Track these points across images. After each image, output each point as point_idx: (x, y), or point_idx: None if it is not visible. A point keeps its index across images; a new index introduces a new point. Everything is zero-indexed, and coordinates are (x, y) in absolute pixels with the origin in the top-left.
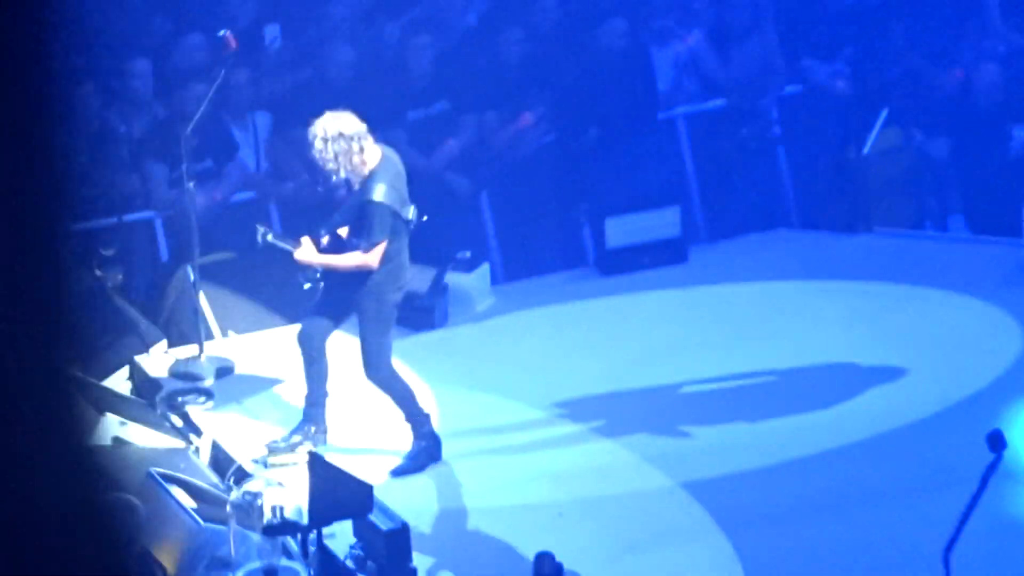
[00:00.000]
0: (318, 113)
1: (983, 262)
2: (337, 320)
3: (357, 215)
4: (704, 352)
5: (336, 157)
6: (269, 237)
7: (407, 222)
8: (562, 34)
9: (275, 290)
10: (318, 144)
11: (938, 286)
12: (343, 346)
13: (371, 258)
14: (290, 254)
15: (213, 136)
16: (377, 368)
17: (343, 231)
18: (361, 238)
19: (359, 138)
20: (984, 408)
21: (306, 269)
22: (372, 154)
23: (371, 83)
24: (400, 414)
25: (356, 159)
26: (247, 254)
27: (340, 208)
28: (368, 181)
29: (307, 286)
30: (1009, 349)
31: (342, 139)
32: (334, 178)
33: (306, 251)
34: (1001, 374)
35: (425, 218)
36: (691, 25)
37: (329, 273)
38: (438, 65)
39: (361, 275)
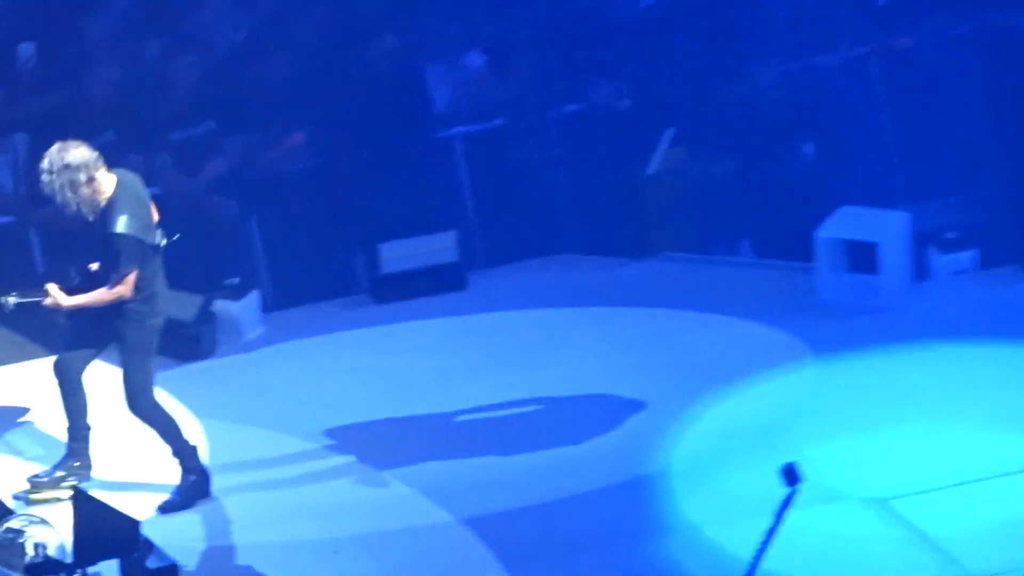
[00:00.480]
0: (78, 134)
1: (771, 287)
2: (96, 349)
3: (103, 248)
4: (479, 381)
5: (63, 189)
6: (11, 300)
7: (155, 247)
8: (331, 52)
9: (34, 319)
10: (44, 177)
11: (724, 312)
12: (105, 376)
13: (123, 289)
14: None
15: None
16: (139, 400)
17: (93, 265)
18: (110, 271)
19: (87, 167)
20: (777, 437)
21: (64, 313)
22: (106, 182)
23: (133, 103)
24: (166, 448)
25: (85, 191)
26: (4, 280)
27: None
28: (107, 212)
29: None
30: (799, 375)
31: (67, 171)
32: (67, 211)
33: (55, 298)
34: (791, 401)
35: (177, 236)
36: (467, 42)
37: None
38: (202, 84)
39: (117, 304)
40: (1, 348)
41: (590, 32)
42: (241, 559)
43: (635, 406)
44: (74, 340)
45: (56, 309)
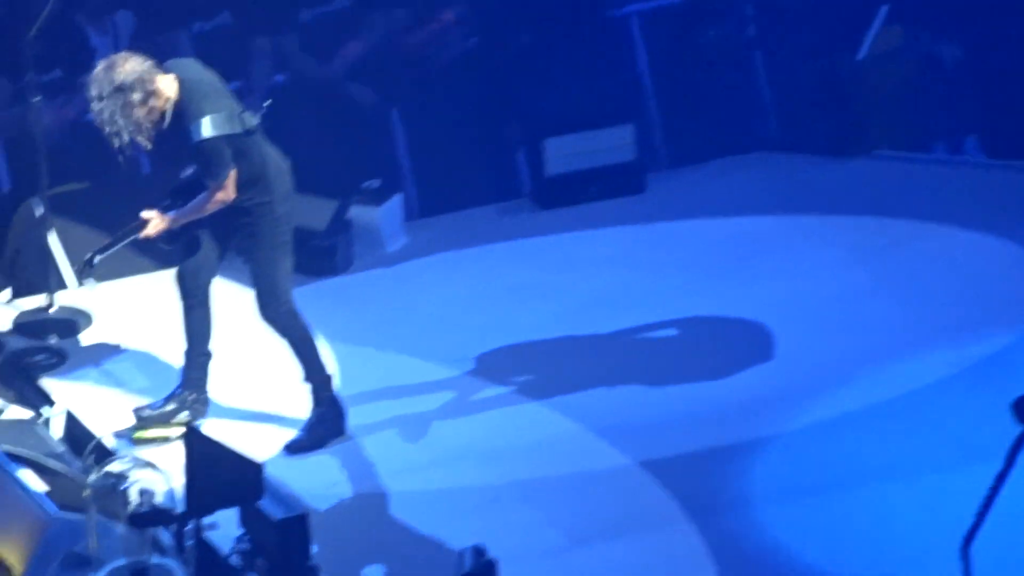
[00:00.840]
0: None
1: (1002, 192)
2: (222, 251)
3: (193, 155)
4: (666, 301)
5: (114, 118)
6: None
7: (248, 132)
8: None
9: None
10: (95, 106)
11: (949, 221)
12: (225, 295)
13: (225, 194)
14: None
15: (64, 41)
16: (276, 303)
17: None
18: (207, 178)
19: (142, 83)
20: (1009, 368)
21: (165, 238)
22: (166, 88)
23: None
24: (298, 372)
25: (140, 111)
26: (106, 183)
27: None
28: (180, 118)
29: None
30: None
31: (120, 93)
32: (118, 144)
33: (152, 223)
34: None
35: (269, 102)
36: None
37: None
38: None
39: (237, 202)
40: (102, 262)
41: None
42: (380, 508)
43: (848, 332)
44: (195, 245)
45: (159, 237)
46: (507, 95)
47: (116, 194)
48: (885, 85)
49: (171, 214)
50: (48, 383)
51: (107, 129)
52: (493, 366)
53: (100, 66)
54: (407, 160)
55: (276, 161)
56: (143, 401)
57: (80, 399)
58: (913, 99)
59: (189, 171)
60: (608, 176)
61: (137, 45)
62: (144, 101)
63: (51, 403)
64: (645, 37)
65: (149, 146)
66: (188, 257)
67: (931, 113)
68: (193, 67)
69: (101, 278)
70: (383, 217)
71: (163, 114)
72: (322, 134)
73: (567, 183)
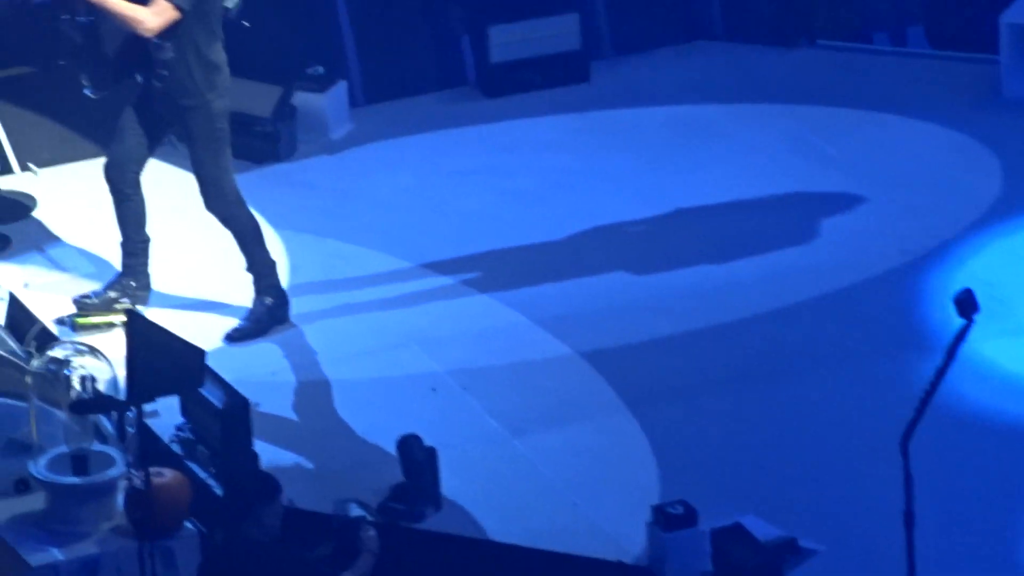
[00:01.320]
0: None
1: (948, 82)
2: (152, 144)
3: None
4: (609, 189)
5: None
6: None
7: (226, 8)
8: None
9: (87, 112)
10: None
11: (895, 111)
12: (163, 176)
13: (151, 20)
14: None
15: None
16: (220, 193)
17: None
18: None
19: None
20: (955, 260)
21: (69, 18)
22: None
23: None
24: (241, 259)
25: None
26: (51, 68)
27: None
28: None
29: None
30: (984, 186)
31: None
32: None
33: None
34: (976, 217)
35: (245, 24)
36: None
37: (145, 87)
38: None
39: (178, 81)
40: (47, 147)
41: None
42: (322, 396)
43: (789, 221)
44: (126, 135)
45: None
46: None
47: (60, 78)
48: None
49: None
50: None
51: None
52: (436, 253)
53: None
54: (352, 46)
55: (222, 57)
56: (87, 286)
57: (22, 284)
58: None
59: None
60: (553, 64)
61: None
62: None
63: None
64: None
65: None
66: (114, 149)
67: (875, 3)
68: None
69: (44, 163)
70: (328, 103)
71: None
72: (266, 18)
73: (512, 71)
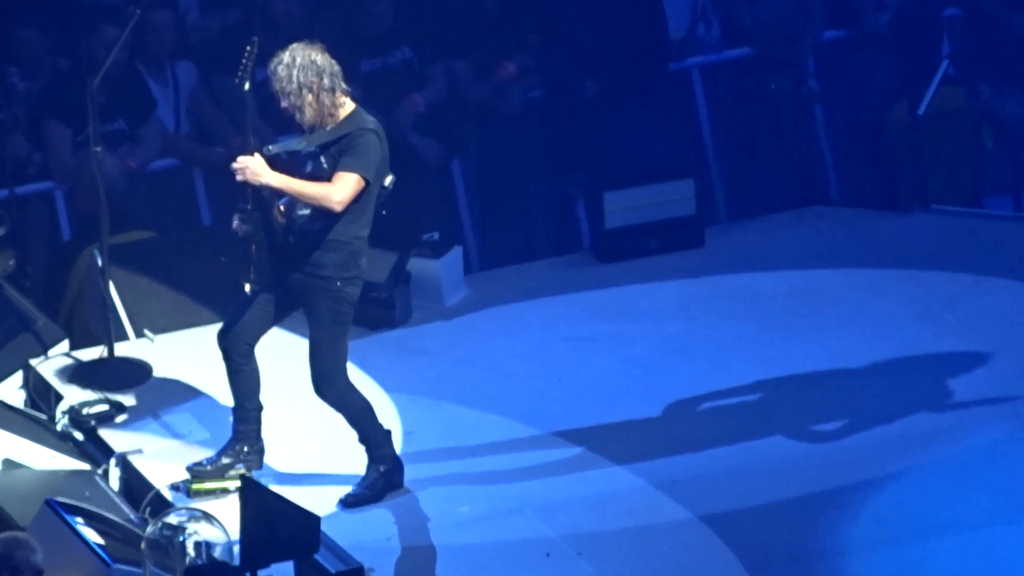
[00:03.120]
0: (253, 66)
1: None
2: (273, 318)
3: (330, 150)
4: (727, 354)
5: (300, 88)
6: (246, 86)
7: (383, 188)
8: None
9: (202, 278)
10: (280, 71)
11: (1010, 276)
12: (280, 342)
13: (337, 191)
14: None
15: (126, 91)
16: (330, 383)
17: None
18: (342, 168)
19: (333, 75)
20: None
21: (246, 199)
22: (346, 106)
23: (318, 26)
24: (354, 434)
25: (328, 99)
26: (167, 234)
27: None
28: (346, 125)
29: (243, 230)
30: None
31: (313, 67)
32: (298, 116)
33: (255, 167)
34: None
35: (384, 212)
36: None
37: (274, 247)
38: (400, 3)
39: (313, 258)
40: (164, 313)
41: None
42: (436, 562)
43: (909, 387)
44: (248, 304)
45: (246, 194)
46: (568, 147)
47: (176, 244)
48: (945, 140)
49: (274, 176)
50: (107, 434)
51: (288, 97)
52: (552, 418)
53: (295, 44)
54: (467, 212)
55: (366, 238)
56: (201, 453)
57: (138, 451)
58: (972, 154)
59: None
60: (667, 229)
61: (198, 95)
62: (330, 91)
63: (109, 455)
64: (707, 91)
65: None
66: (235, 318)
67: (991, 168)
68: (372, 118)
69: (159, 330)
70: (443, 269)
71: (329, 123)
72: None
73: (627, 236)
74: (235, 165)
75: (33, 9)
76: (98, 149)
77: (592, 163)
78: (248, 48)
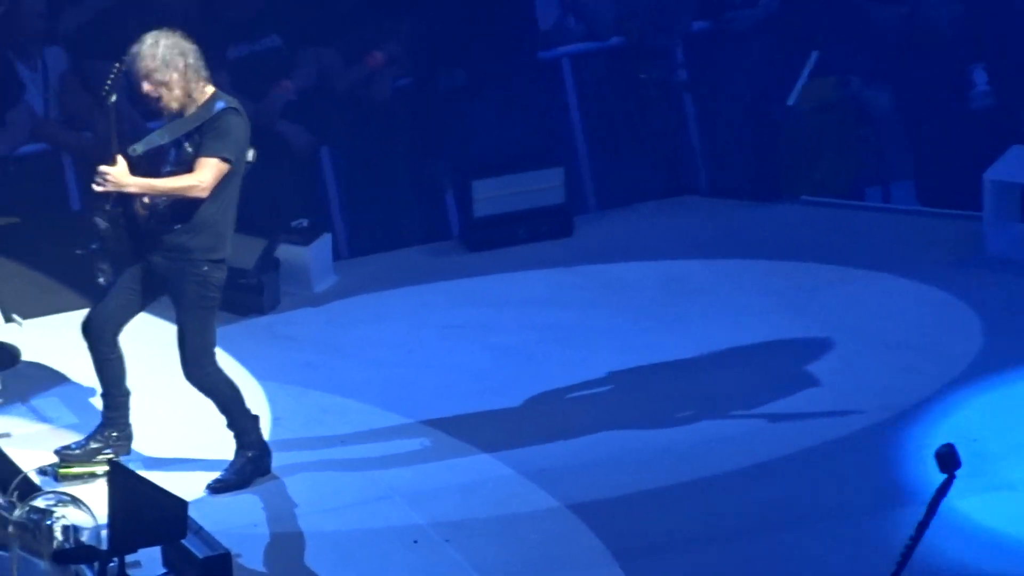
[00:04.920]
0: (118, 48)
1: (932, 240)
2: (139, 305)
3: (193, 136)
4: (596, 342)
5: (161, 67)
6: (112, 99)
7: (248, 162)
8: None
9: (71, 263)
10: (146, 51)
11: (878, 268)
12: (149, 326)
13: (200, 178)
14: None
15: None
16: (199, 367)
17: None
18: (203, 153)
19: (196, 55)
20: (936, 416)
21: (103, 200)
22: (207, 88)
23: (185, 13)
24: (223, 419)
25: (193, 77)
26: (36, 219)
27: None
28: (206, 110)
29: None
30: (964, 345)
31: (175, 48)
32: (162, 97)
33: (116, 175)
34: (955, 375)
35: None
36: None
37: (136, 234)
38: None
39: (178, 242)
40: (32, 297)
41: None
42: (303, 548)
43: (774, 377)
44: (111, 294)
45: (109, 194)
46: (437, 136)
47: (45, 229)
48: (814, 131)
49: (134, 180)
50: None
51: (144, 81)
52: (420, 406)
53: (154, 31)
54: (336, 200)
55: (232, 221)
56: (69, 437)
57: (5, 435)
58: (842, 145)
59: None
60: (536, 218)
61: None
62: (189, 70)
63: None
64: (576, 80)
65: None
66: (100, 306)
67: (860, 159)
68: (233, 99)
69: (29, 314)
70: (311, 256)
71: (190, 104)
72: (252, 172)
73: (496, 225)
74: (97, 176)
75: None
76: None
77: (461, 151)
78: (117, 65)
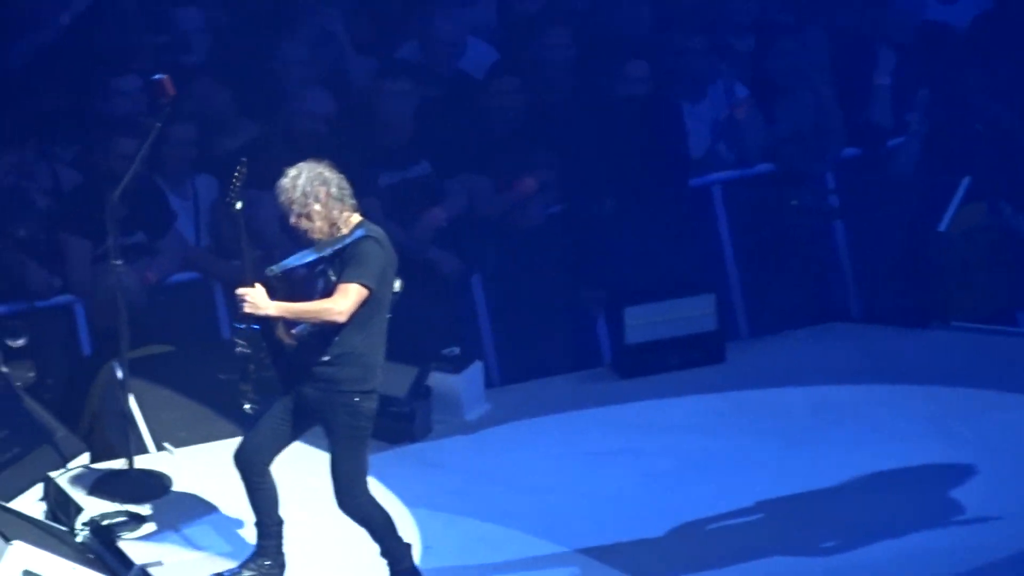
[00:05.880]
0: (271, 177)
1: None
2: (290, 435)
3: (335, 264)
4: (746, 469)
5: (305, 197)
6: (238, 205)
7: (394, 293)
8: (572, 80)
9: (222, 392)
10: (286, 183)
11: None
12: (302, 454)
13: (338, 303)
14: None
15: (145, 204)
16: (351, 496)
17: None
18: (344, 279)
19: (341, 188)
20: None
21: (245, 327)
22: (353, 220)
23: (337, 140)
24: (375, 547)
25: (336, 208)
26: (187, 348)
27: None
28: (347, 237)
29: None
30: None
31: (320, 179)
32: (304, 228)
33: (255, 299)
34: None
35: (389, 316)
36: (728, 74)
37: (282, 362)
38: (418, 117)
39: (328, 374)
40: (184, 426)
41: (872, 54)
42: None
43: (927, 504)
44: (263, 424)
45: (250, 317)
46: (588, 263)
47: (196, 358)
48: (965, 257)
49: (274, 305)
50: (127, 547)
51: (293, 209)
52: (572, 534)
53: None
54: (487, 327)
55: (382, 352)
56: (222, 565)
57: (160, 564)
58: (993, 271)
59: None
60: (688, 345)
61: (219, 212)
62: (337, 201)
63: (130, 568)
64: (727, 207)
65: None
66: (252, 437)
67: (1011, 285)
68: (380, 231)
69: (178, 444)
70: (463, 384)
71: (333, 228)
72: (402, 300)
73: (648, 352)
74: (238, 293)
75: (53, 124)
76: (118, 263)
77: (612, 278)
78: (238, 168)
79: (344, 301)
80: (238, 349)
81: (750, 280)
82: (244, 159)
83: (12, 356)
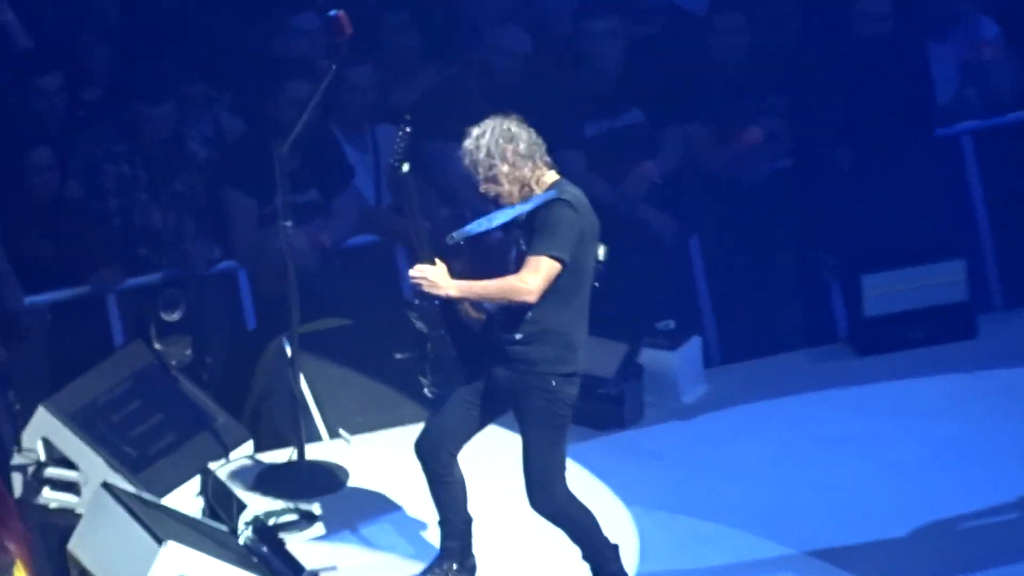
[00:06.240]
0: (458, 127)
1: None
2: (480, 422)
3: (524, 232)
4: (1003, 460)
5: (491, 155)
6: (405, 168)
7: (597, 262)
8: (804, 18)
9: (405, 372)
10: (469, 144)
11: None
12: (494, 440)
13: (530, 279)
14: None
15: (319, 157)
16: (546, 492)
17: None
18: (533, 251)
19: (531, 144)
20: None
21: (423, 305)
22: (547, 177)
23: (536, 86)
24: (576, 549)
25: (527, 167)
26: (366, 320)
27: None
28: (537, 199)
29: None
30: None
31: (508, 135)
32: (493, 193)
33: (435, 279)
34: None
35: (596, 284)
36: (978, 13)
37: (466, 339)
38: (629, 60)
39: (523, 353)
40: (359, 411)
41: None
42: None
43: None
44: (448, 408)
45: (430, 297)
46: (821, 224)
47: (376, 333)
48: None
49: (456, 284)
50: (296, 549)
51: (486, 183)
52: (802, 533)
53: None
54: (707, 298)
55: (585, 328)
56: (405, 569)
57: (334, 568)
58: None
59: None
60: (935, 318)
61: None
62: (525, 159)
63: (301, 573)
64: (979, 159)
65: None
66: (431, 423)
67: None
68: (579, 191)
69: (356, 430)
70: (679, 362)
71: (524, 189)
72: (610, 267)
73: (889, 325)
74: (412, 275)
75: (204, 63)
76: (287, 224)
77: (849, 242)
78: (402, 127)
79: (534, 278)
80: (416, 327)
81: (1006, 244)
82: (407, 116)
83: (167, 331)
